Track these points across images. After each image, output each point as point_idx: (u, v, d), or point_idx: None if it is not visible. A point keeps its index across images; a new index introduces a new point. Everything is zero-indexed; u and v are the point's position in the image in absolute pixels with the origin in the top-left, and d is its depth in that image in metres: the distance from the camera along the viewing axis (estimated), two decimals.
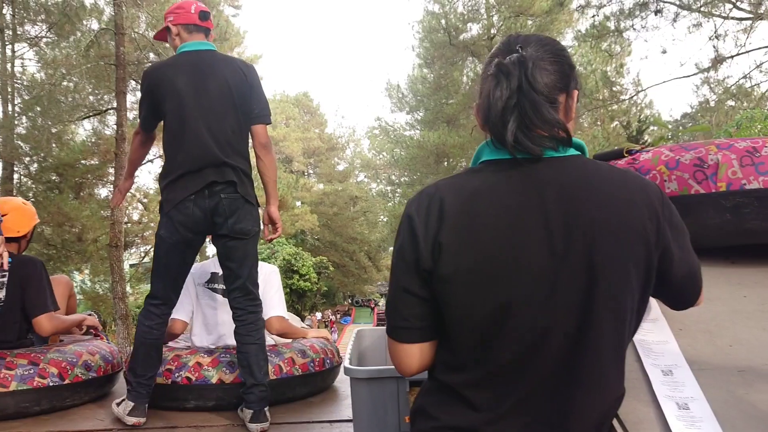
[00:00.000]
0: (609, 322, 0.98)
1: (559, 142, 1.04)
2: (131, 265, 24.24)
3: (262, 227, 2.67)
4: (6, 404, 2.54)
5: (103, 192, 20.61)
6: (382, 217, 40.94)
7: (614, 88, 19.70)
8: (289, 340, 3.09)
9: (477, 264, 1.00)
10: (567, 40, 24.35)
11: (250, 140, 2.62)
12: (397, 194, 31.92)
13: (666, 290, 1.12)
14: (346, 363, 1.76)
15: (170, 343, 3.08)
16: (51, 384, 2.64)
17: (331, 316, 37.86)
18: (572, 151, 1.08)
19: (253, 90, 2.54)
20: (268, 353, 2.77)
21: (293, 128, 46.96)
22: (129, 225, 21.54)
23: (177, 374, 2.68)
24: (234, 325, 2.57)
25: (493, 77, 1.06)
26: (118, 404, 2.56)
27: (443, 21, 24.29)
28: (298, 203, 36.91)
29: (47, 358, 2.69)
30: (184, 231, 2.43)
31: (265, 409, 2.46)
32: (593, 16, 14.94)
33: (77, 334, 3.24)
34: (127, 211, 19.45)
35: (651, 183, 1.08)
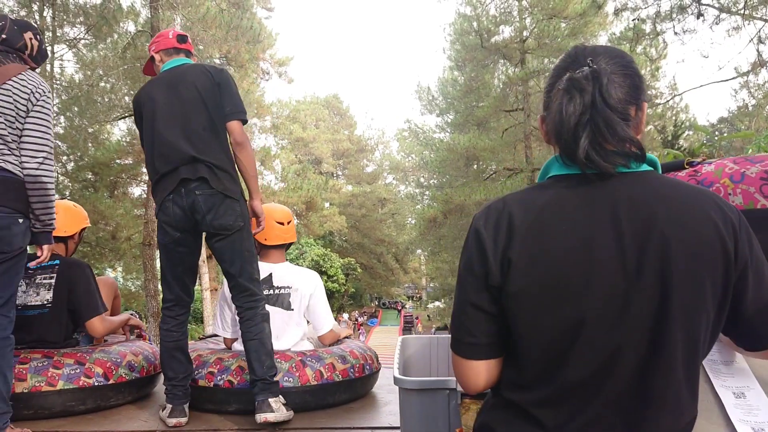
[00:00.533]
0: (682, 342, 0.96)
1: (632, 158, 1.02)
2: None
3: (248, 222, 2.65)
4: (53, 402, 2.59)
5: (137, 191, 20.98)
6: (410, 219, 40.96)
7: (649, 92, 19.38)
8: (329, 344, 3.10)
9: (547, 280, 0.99)
10: (600, 42, 24.11)
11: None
12: (425, 196, 31.81)
13: (738, 325, 1.07)
14: (395, 373, 1.74)
15: (212, 346, 3.11)
16: (96, 384, 2.68)
17: (357, 318, 37.90)
18: (645, 167, 1.05)
19: (222, 89, 2.56)
20: (309, 358, 2.77)
21: (323, 130, 47.26)
22: None
23: (219, 377, 2.70)
24: (275, 331, 2.58)
25: (564, 92, 1.04)
26: (163, 408, 2.59)
27: (475, 23, 24.17)
28: (327, 204, 37.05)
29: (93, 357, 2.73)
30: (172, 230, 2.53)
31: (270, 399, 2.45)
32: (634, 20, 14.67)
33: (121, 333, 3.28)
34: None
35: (727, 202, 1.05)
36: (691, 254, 0.96)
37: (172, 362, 2.57)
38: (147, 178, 16.70)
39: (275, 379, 2.51)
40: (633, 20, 15.15)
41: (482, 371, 1.10)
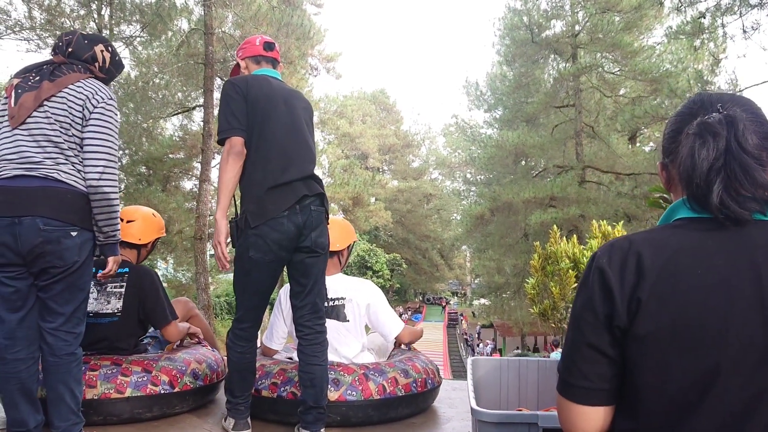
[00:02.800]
0: None
1: (767, 205, 0.98)
2: (211, 255, 25.08)
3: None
4: (122, 409, 2.63)
5: (188, 185, 21.43)
6: (455, 215, 40.66)
7: (708, 88, 18.71)
8: (387, 358, 3.07)
9: (679, 325, 0.94)
10: (656, 36, 23.41)
11: None
12: (472, 193, 31.47)
13: None
14: (472, 403, 1.69)
15: (275, 356, 3.11)
16: (162, 392, 2.71)
17: (402, 314, 37.89)
18: None
19: (312, 125, 2.66)
20: (371, 372, 2.75)
21: (369, 125, 47.35)
22: (211, 217, 22.27)
23: (282, 389, 2.70)
24: (332, 343, 2.55)
25: (696, 136, 1.01)
26: (225, 419, 2.61)
27: (525, 18, 23.76)
28: (373, 200, 37.14)
29: (159, 365, 2.76)
30: (278, 249, 2.35)
31: (321, 431, 2.45)
32: (696, 13, 14.17)
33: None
34: (210, 205, 20.06)
35: None
36: None
37: (243, 383, 2.53)
38: (198, 172, 17.06)
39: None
40: (696, 15, 14.59)
41: (594, 419, 1.04)
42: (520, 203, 23.08)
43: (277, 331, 3.05)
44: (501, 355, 29.36)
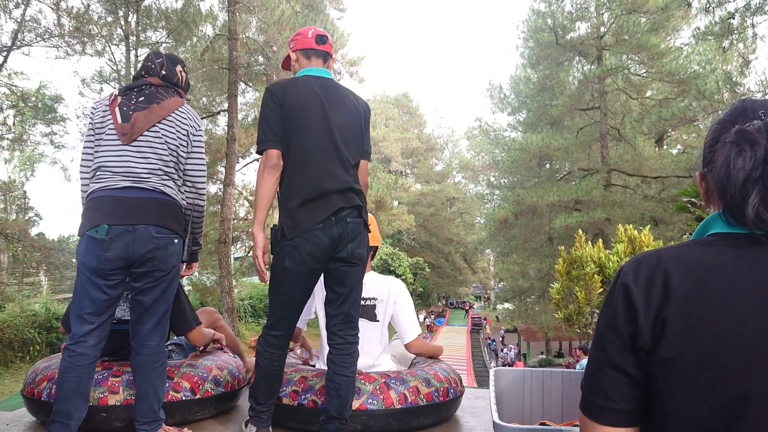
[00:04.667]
0: None
1: None
2: (236, 259, 25.28)
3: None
4: None
5: (213, 189, 21.63)
6: (479, 218, 40.48)
7: (737, 89, 18.36)
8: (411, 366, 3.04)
9: (709, 349, 0.88)
10: (684, 37, 23.08)
11: None
12: (495, 196, 31.30)
13: None
14: (494, 417, 1.65)
15: (293, 361, 3.10)
16: (184, 398, 2.71)
17: (426, 320, 37.73)
18: None
19: (366, 125, 2.58)
20: (393, 381, 2.72)
21: (392, 128, 47.42)
22: (235, 221, 22.46)
23: (303, 397, 2.68)
24: (360, 344, 2.53)
25: (733, 145, 0.95)
26: (246, 426, 2.59)
27: (550, 20, 23.60)
28: (396, 203, 37.14)
29: (181, 372, 2.77)
30: (312, 261, 2.33)
31: None
32: (725, 13, 13.92)
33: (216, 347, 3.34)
34: (235, 208, 20.23)
35: None
36: None
37: (269, 390, 2.52)
38: (222, 176, 17.21)
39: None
40: (724, 15, 14.34)
41: None
42: (545, 206, 22.91)
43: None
44: (525, 360, 29.12)
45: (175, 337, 3.14)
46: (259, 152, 2.39)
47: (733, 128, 0.96)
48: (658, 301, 0.93)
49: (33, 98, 16.99)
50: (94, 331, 2.32)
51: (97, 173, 2.38)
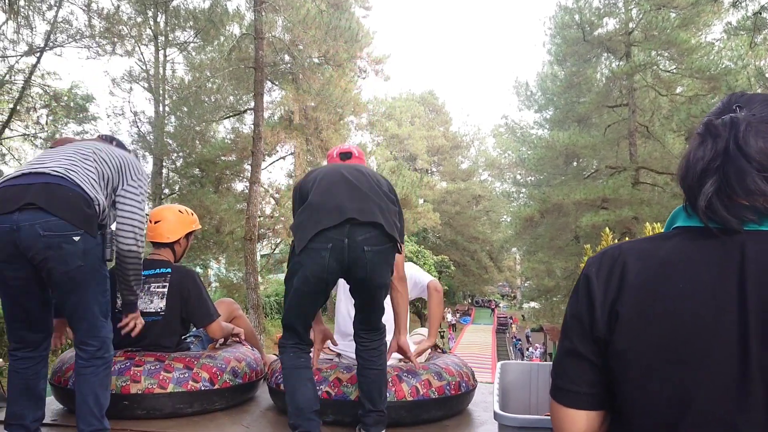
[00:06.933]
0: None
1: (763, 215, 0.91)
2: (262, 256, 25.54)
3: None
4: (164, 404, 2.73)
5: (239, 187, 21.89)
6: (505, 217, 40.22)
7: None
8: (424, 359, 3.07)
9: (659, 342, 0.90)
10: (714, 33, 22.63)
11: None
12: (522, 194, 31.08)
13: None
14: (495, 407, 1.70)
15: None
16: (203, 388, 2.79)
17: (450, 318, 37.62)
18: None
19: (390, 193, 2.49)
20: (405, 374, 2.77)
21: (418, 126, 47.33)
22: (261, 219, 22.70)
23: (317, 388, 2.74)
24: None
25: (698, 136, 0.97)
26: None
27: (577, 16, 23.32)
28: (421, 201, 37.10)
29: (200, 363, 2.85)
30: (317, 282, 2.33)
31: None
32: (757, 7, 13.63)
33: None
34: (261, 206, 20.46)
35: None
36: None
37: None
38: (249, 174, 17.41)
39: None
40: (755, 12, 14.03)
41: (580, 422, 1.02)
42: (571, 205, 22.69)
43: None
44: (552, 359, 28.87)
45: (194, 329, 3.23)
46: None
47: (704, 120, 0.98)
48: (613, 293, 0.96)
49: (65, 98, 17.35)
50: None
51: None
